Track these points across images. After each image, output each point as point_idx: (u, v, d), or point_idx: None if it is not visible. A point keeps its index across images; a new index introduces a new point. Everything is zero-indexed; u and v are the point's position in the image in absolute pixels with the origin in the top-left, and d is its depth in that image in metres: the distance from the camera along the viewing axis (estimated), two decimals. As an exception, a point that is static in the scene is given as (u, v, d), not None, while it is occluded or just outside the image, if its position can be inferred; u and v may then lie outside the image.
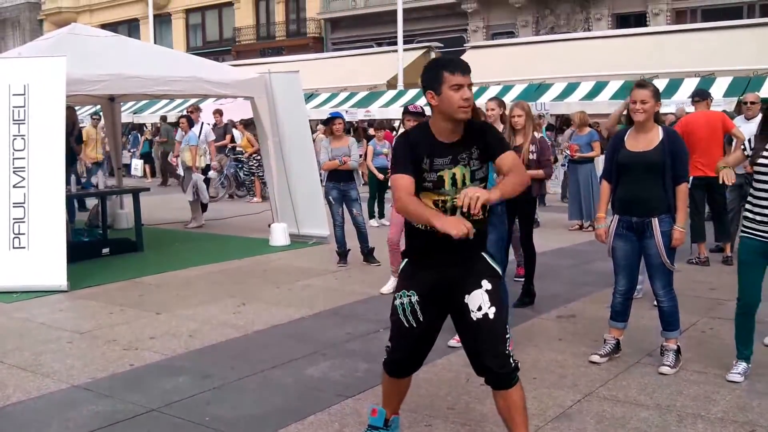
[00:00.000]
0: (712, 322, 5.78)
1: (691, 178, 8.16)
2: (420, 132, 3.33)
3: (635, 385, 4.45)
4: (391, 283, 6.94)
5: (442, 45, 25.25)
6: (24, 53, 9.22)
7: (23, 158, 7.30)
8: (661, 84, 15.14)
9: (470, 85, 3.18)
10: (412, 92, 21.47)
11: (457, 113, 3.17)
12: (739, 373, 4.50)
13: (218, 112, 12.32)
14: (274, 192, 10.16)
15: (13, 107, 7.38)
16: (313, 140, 11.27)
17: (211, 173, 12.54)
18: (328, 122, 8.70)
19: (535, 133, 6.42)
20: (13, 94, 7.39)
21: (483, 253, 3.31)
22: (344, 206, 8.33)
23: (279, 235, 9.85)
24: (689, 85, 16.34)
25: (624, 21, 24.11)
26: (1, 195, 7.25)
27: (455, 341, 5.23)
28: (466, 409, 4.13)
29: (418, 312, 3.30)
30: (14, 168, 7.31)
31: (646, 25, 22.86)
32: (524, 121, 6.17)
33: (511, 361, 3.21)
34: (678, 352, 4.83)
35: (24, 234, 7.19)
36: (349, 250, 8.52)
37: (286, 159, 10.00)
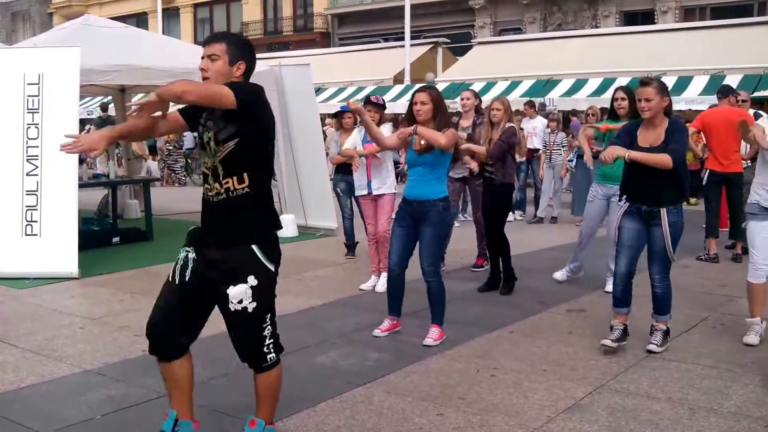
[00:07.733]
0: (722, 318, 5.79)
1: (707, 171, 8.16)
2: None
3: (646, 378, 4.46)
4: (371, 281, 6.93)
5: (449, 41, 25.23)
6: (39, 43, 9.27)
7: (37, 147, 7.35)
8: (669, 82, 15.08)
9: (211, 55, 3.24)
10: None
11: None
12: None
13: None
14: (283, 183, 10.18)
15: (28, 96, 7.43)
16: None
17: None
18: (338, 115, 8.70)
19: (509, 123, 6.76)
20: (28, 84, 7.44)
21: (254, 246, 3.18)
22: (352, 199, 8.33)
23: (287, 226, 9.84)
24: (698, 83, 16.31)
25: (632, 18, 24.02)
26: (15, 183, 7.32)
27: (380, 331, 5.36)
28: (477, 398, 4.14)
29: (188, 269, 3.27)
30: (28, 156, 7.36)
31: (654, 23, 22.78)
32: (501, 115, 6.63)
33: (265, 350, 3.26)
34: (666, 333, 5.02)
35: (36, 221, 7.24)
36: (357, 242, 8.53)
37: (295, 151, 10.01)
